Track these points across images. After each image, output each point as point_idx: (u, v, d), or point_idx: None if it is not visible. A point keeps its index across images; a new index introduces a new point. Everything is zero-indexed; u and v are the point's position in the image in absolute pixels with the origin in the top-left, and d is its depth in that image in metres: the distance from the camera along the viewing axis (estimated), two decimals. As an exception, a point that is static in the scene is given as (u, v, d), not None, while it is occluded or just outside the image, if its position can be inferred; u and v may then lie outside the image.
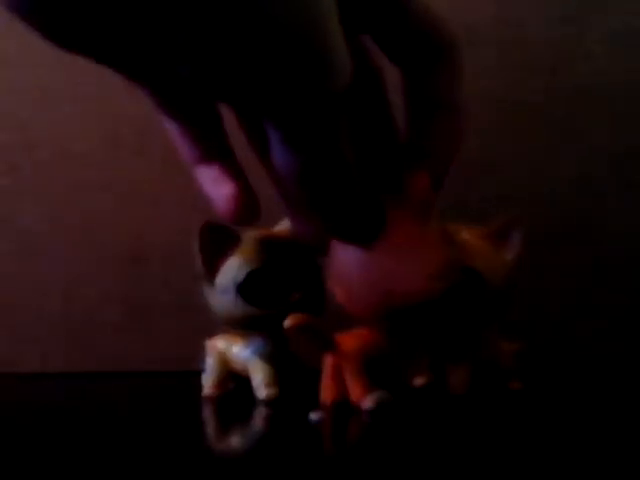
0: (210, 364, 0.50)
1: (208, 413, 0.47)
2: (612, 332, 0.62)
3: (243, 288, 0.47)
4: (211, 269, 0.48)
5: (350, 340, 0.45)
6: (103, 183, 0.62)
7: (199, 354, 0.51)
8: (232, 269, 0.48)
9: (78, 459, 0.34)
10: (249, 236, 0.49)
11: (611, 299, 0.63)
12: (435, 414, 0.45)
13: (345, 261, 0.33)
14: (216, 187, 0.29)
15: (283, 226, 0.50)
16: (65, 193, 0.62)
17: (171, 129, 0.29)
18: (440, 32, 0.29)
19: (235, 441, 0.41)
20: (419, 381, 0.49)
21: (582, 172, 0.63)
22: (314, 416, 0.41)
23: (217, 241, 0.48)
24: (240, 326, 0.49)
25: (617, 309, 0.62)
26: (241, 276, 0.47)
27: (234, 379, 0.50)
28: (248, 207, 0.29)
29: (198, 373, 0.51)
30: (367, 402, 0.43)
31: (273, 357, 0.48)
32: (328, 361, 0.45)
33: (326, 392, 0.45)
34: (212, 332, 0.51)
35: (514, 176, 0.63)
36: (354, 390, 0.44)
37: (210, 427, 0.45)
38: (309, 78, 0.22)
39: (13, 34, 0.62)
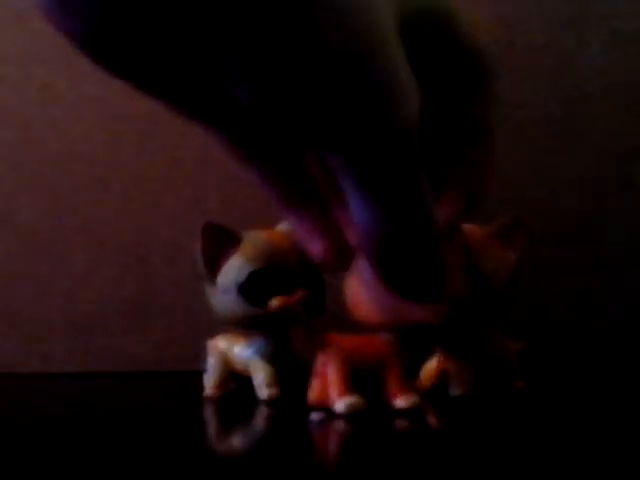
0: (212, 364, 0.50)
1: (210, 413, 0.47)
2: (612, 332, 0.62)
3: (245, 288, 0.47)
4: (212, 269, 0.48)
5: (342, 341, 0.43)
6: (104, 183, 0.62)
7: (200, 354, 0.51)
8: (234, 269, 0.48)
9: (78, 459, 0.34)
10: (250, 236, 0.49)
11: (611, 299, 0.63)
12: (439, 413, 0.45)
13: (362, 282, 0.32)
14: (306, 237, 0.28)
15: (285, 226, 0.50)
16: (66, 193, 0.62)
17: (253, 175, 0.28)
18: (483, 58, 0.29)
19: (236, 441, 0.41)
20: (400, 403, 0.43)
21: (582, 172, 0.63)
22: (316, 416, 0.41)
23: (218, 241, 0.48)
24: (242, 326, 0.49)
25: (617, 309, 0.62)
26: (243, 276, 0.47)
27: (235, 379, 0.50)
28: (340, 258, 0.28)
29: (199, 373, 0.51)
30: (338, 405, 0.42)
31: (275, 357, 0.48)
32: (320, 359, 0.43)
33: (313, 391, 0.43)
34: (213, 332, 0.51)
35: (514, 176, 0.63)
36: (332, 391, 0.43)
37: (212, 427, 0.45)
38: (369, 109, 0.21)
39: (15, 34, 0.62)
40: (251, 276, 0.47)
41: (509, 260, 0.48)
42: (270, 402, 0.47)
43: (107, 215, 0.62)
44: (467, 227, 0.49)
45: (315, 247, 0.28)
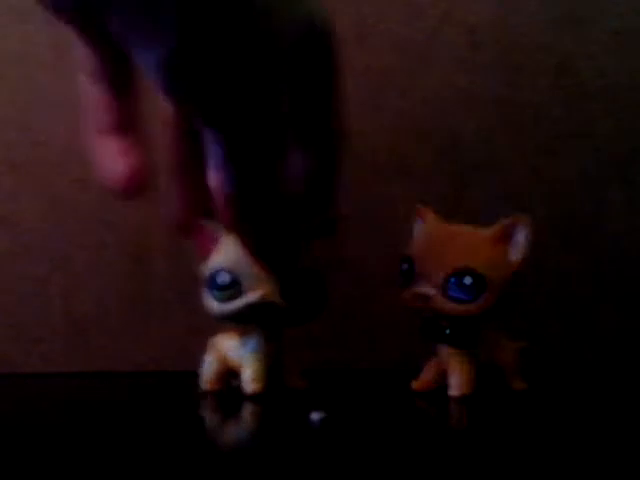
0: (209, 361, 0.50)
1: (204, 410, 0.48)
2: (612, 332, 0.62)
3: (209, 286, 0.48)
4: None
5: None
6: (104, 183, 0.62)
7: (200, 354, 0.51)
8: (206, 268, 0.49)
9: (78, 459, 0.34)
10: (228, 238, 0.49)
11: (611, 299, 0.63)
12: (438, 414, 0.45)
13: None
14: (120, 156, 0.29)
15: None
16: (66, 192, 0.62)
17: (93, 94, 0.29)
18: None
19: (228, 438, 0.41)
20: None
21: (582, 172, 0.63)
22: (315, 416, 0.41)
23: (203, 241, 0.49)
24: (230, 323, 0.49)
25: (617, 309, 0.62)
26: (207, 275, 0.48)
27: (235, 377, 0.50)
28: (143, 182, 0.29)
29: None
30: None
31: (269, 355, 0.49)
32: None
33: None
34: (214, 332, 0.51)
35: (514, 176, 0.63)
36: None
37: (206, 424, 0.45)
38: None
39: (15, 33, 0.62)
40: (213, 276, 0.48)
41: (509, 261, 0.48)
42: (254, 397, 0.47)
43: (108, 214, 0.62)
44: (467, 228, 0.49)
45: (128, 162, 0.29)
